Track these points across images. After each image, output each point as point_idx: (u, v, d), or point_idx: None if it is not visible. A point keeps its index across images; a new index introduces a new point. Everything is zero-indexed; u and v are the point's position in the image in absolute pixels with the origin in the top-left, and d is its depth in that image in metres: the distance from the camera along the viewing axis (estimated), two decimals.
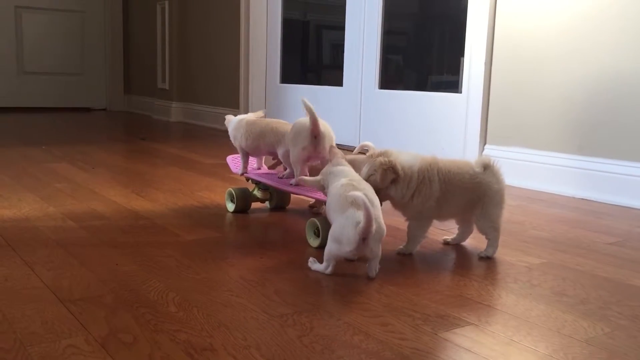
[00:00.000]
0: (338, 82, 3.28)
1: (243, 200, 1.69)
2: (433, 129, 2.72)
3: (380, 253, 1.18)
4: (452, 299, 1.09)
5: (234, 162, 1.81)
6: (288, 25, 3.76)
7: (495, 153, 2.34)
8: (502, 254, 1.38)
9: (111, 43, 5.24)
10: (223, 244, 1.39)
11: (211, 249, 1.34)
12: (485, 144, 2.39)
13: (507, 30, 2.29)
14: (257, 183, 1.71)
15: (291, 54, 3.82)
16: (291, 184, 1.56)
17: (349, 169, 1.30)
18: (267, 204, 1.77)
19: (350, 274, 1.20)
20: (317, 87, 3.46)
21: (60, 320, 0.93)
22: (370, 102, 3.07)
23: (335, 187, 1.23)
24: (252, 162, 1.79)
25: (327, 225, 1.28)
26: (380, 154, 1.30)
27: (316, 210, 1.72)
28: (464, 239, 1.45)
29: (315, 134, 1.43)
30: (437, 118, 2.70)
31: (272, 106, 3.77)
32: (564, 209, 1.90)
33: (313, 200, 1.72)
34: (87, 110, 5.20)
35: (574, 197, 2.07)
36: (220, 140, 3.38)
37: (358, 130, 3.13)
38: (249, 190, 1.72)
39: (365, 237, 1.12)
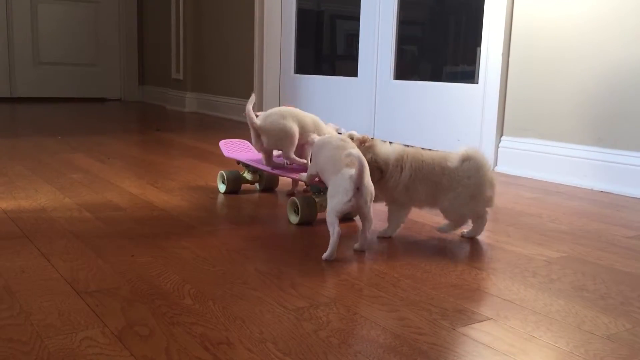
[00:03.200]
0: (352, 72, 3.26)
1: (234, 182, 1.80)
2: (449, 120, 2.69)
3: (372, 218, 1.27)
4: (470, 293, 1.07)
5: (226, 146, 1.92)
6: (302, 15, 3.74)
7: (512, 144, 2.31)
8: (520, 247, 1.36)
9: (126, 33, 5.25)
10: (238, 235, 1.39)
11: (226, 241, 1.33)
12: (502, 135, 2.36)
13: (525, 20, 2.25)
14: (247, 166, 1.80)
15: (305, 45, 3.80)
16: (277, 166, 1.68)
17: (331, 136, 1.41)
18: (256, 185, 1.87)
19: (367, 268, 1.19)
20: (332, 77, 3.44)
21: (77, 312, 0.93)
22: (385, 93, 3.05)
23: (328, 150, 1.35)
24: (245, 149, 1.90)
25: (306, 203, 1.46)
26: (365, 141, 1.40)
27: (290, 191, 1.81)
28: (478, 232, 1.43)
29: (358, 186, 1.25)
30: (453, 109, 2.68)
31: (286, 97, 3.75)
32: (583, 202, 1.87)
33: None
34: (102, 100, 5.22)
35: (592, 190, 2.04)
36: (234, 130, 3.37)
37: (373, 121, 3.11)
38: (239, 172, 1.82)
39: (358, 186, 1.22)
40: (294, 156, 1.65)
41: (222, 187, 1.82)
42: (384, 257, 1.26)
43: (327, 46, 3.97)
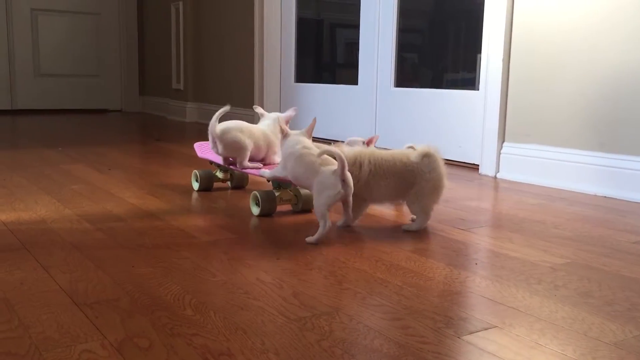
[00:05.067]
0: (353, 80, 3.26)
1: (206, 180, 1.96)
2: (450, 127, 2.68)
3: (352, 202, 1.45)
4: (474, 301, 1.06)
5: (200, 147, 2.06)
6: (302, 24, 3.75)
7: (514, 150, 2.30)
8: (524, 254, 1.35)
9: (126, 45, 5.26)
10: (239, 245, 1.38)
11: (227, 251, 1.32)
12: (503, 141, 2.35)
13: (525, 26, 2.25)
14: (219, 166, 1.94)
15: (305, 53, 3.81)
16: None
17: (293, 146, 1.51)
18: (228, 183, 2.02)
19: (370, 276, 1.18)
20: (332, 85, 3.44)
21: (76, 324, 0.92)
22: (385, 101, 3.04)
23: (296, 161, 1.47)
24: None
25: (266, 196, 1.62)
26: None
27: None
28: (423, 225, 1.53)
29: (343, 179, 1.40)
30: (454, 116, 2.67)
31: (287, 105, 3.75)
32: (586, 208, 1.86)
33: None
34: (103, 111, 5.22)
35: (595, 195, 2.03)
36: None
37: (373, 129, 3.10)
38: (212, 172, 1.97)
39: (343, 178, 1.37)
40: (247, 164, 1.80)
41: (195, 185, 1.98)
42: (386, 265, 1.25)
43: (327, 54, 3.98)
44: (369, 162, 1.48)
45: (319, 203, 1.40)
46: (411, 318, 0.98)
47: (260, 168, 1.80)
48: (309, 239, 1.39)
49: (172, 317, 0.96)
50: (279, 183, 1.67)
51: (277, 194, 1.66)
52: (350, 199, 1.43)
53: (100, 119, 4.64)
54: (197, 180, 1.97)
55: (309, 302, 1.03)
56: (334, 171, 1.38)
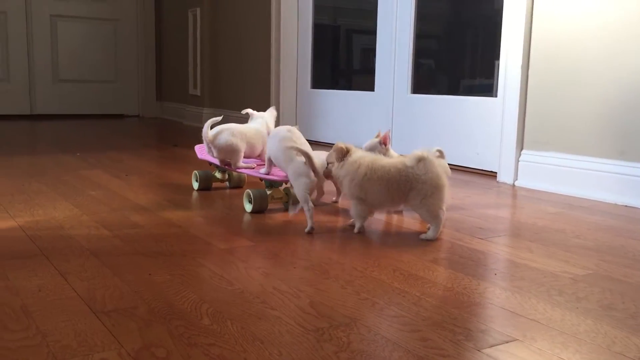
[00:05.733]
0: (369, 86, 3.25)
1: (206, 180, 2.07)
2: (468, 134, 2.66)
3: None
4: (494, 313, 1.04)
5: (200, 149, 2.14)
6: (318, 30, 3.75)
7: (532, 158, 2.28)
8: (545, 264, 1.33)
9: (144, 50, 5.30)
10: (256, 253, 1.37)
11: (244, 259, 1.32)
12: (522, 149, 2.33)
13: (544, 32, 2.23)
14: (217, 166, 2.04)
15: (322, 59, 3.81)
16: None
17: (279, 129, 1.73)
18: (226, 183, 2.13)
19: (388, 286, 1.17)
20: (348, 92, 3.43)
21: (94, 332, 0.92)
22: (402, 107, 3.03)
23: (276, 142, 1.68)
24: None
25: (258, 195, 1.74)
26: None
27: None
28: (437, 233, 1.53)
29: (313, 169, 1.60)
30: (472, 123, 2.65)
31: (303, 112, 3.75)
32: (607, 217, 1.83)
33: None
34: (121, 116, 5.26)
35: (616, 204, 2.00)
36: None
37: (390, 135, 3.08)
38: (211, 172, 2.09)
39: (313, 170, 1.57)
40: (241, 164, 1.91)
41: (195, 185, 2.08)
42: (404, 274, 1.23)
43: (343, 61, 3.97)
44: (367, 166, 1.53)
45: (298, 189, 1.58)
46: (430, 330, 0.96)
47: (253, 168, 1.91)
48: (306, 229, 1.54)
49: (189, 326, 0.95)
50: (271, 182, 1.79)
51: (268, 192, 1.78)
52: (322, 185, 1.74)
53: (118, 125, 4.67)
54: (196, 180, 2.08)
55: (326, 312, 1.02)
56: (305, 162, 1.57)
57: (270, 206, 1.79)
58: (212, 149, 1.92)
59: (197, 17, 4.57)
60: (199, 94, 4.64)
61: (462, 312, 1.04)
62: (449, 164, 1.71)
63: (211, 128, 1.93)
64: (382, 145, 1.77)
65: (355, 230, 1.57)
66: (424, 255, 1.38)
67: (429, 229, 1.55)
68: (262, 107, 3.91)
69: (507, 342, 0.92)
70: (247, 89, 4.12)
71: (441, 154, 1.81)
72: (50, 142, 3.45)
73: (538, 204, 1.99)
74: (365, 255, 1.37)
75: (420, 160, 1.50)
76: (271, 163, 1.77)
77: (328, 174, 1.62)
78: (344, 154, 1.56)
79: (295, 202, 1.63)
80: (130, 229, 1.54)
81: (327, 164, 1.62)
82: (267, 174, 1.79)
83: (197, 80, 4.66)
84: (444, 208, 1.54)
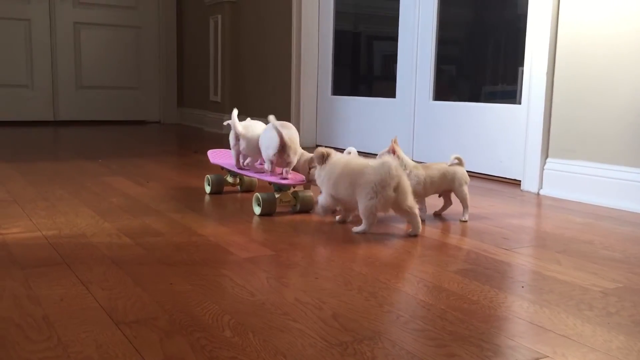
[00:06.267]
0: (390, 93, 3.23)
1: (217, 184, 2.12)
2: (491, 141, 2.63)
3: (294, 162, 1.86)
4: (522, 328, 1.01)
5: (212, 154, 2.25)
6: (339, 36, 3.74)
7: (558, 167, 2.24)
8: (574, 277, 1.29)
9: (165, 57, 5.34)
10: (277, 262, 1.36)
11: (265, 268, 1.30)
12: (547, 157, 2.28)
13: (570, 38, 2.19)
14: (229, 171, 2.12)
15: (342, 66, 3.79)
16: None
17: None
18: (238, 187, 2.19)
19: (411, 298, 1.14)
20: (369, 98, 3.41)
21: (115, 344, 0.91)
22: (424, 114, 3.00)
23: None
24: (228, 157, 2.19)
25: (267, 198, 1.80)
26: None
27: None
28: (416, 230, 1.62)
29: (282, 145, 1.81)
30: (495, 130, 2.61)
31: (323, 118, 3.74)
32: (636, 228, 1.79)
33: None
34: (142, 123, 5.30)
35: None
36: None
37: (411, 143, 3.06)
38: (223, 177, 2.13)
39: (283, 146, 1.79)
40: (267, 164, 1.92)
41: (207, 189, 2.14)
42: (428, 286, 1.21)
43: (364, 67, 3.96)
44: (342, 166, 1.64)
45: (265, 157, 1.87)
46: (457, 345, 0.94)
47: (264, 172, 1.95)
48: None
49: (211, 338, 0.94)
50: (280, 186, 1.85)
51: (277, 195, 1.83)
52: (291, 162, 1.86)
53: (139, 131, 4.71)
54: (209, 184, 2.13)
55: (349, 325, 1.00)
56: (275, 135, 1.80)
57: (278, 209, 1.84)
58: (241, 141, 1.97)
59: (218, 24, 4.59)
60: (219, 100, 4.66)
61: (490, 326, 1.02)
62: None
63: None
64: (392, 154, 1.74)
65: (316, 211, 1.76)
66: (448, 266, 1.36)
67: (410, 231, 1.63)
68: (282, 113, 3.92)
69: (537, 359, 0.89)
70: (268, 96, 4.13)
71: (460, 162, 1.80)
72: (72, 149, 3.48)
73: (564, 214, 1.95)
74: (388, 266, 1.34)
75: (381, 164, 1.57)
76: (272, 164, 1.87)
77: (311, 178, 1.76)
78: (324, 157, 1.68)
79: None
80: (152, 237, 1.53)
81: (309, 168, 1.77)
82: (262, 172, 1.92)
83: (217, 87, 4.68)
84: (411, 207, 1.60)
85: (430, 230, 1.70)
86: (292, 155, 1.84)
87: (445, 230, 1.70)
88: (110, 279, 1.21)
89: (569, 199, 2.18)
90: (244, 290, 1.16)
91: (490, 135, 2.63)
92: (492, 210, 1.99)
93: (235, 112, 2.06)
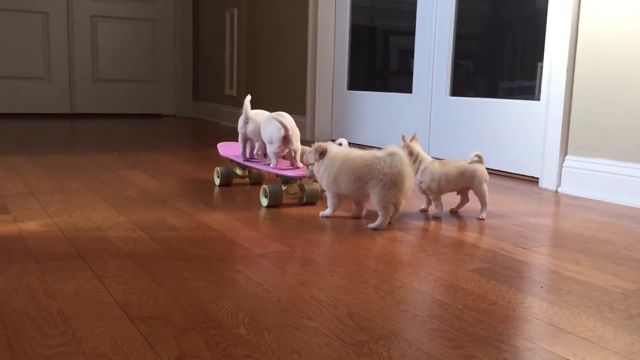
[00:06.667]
0: (407, 88, 3.20)
1: (226, 176, 2.16)
2: (508, 138, 2.60)
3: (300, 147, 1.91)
4: (541, 329, 1.00)
5: (222, 147, 2.31)
6: (355, 31, 3.71)
7: (577, 164, 2.20)
8: (593, 277, 1.27)
9: (181, 51, 5.35)
10: (292, 259, 1.35)
11: (280, 265, 1.30)
12: (566, 154, 2.25)
13: (591, 34, 2.15)
14: (238, 163, 2.17)
15: (358, 61, 3.77)
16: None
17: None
18: (247, 179, 2.23)
19: (428, 297, 1.13)
20: (385, 94, 3.39)
21: (129, 340, 0.90)
22: (441, 110, 2.97)
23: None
24: (238, 150, 2.19)
25: (274, 190, 1.84)
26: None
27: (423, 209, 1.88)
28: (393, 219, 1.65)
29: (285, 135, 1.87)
30: (513, 127, 2.58)
31: (339, 113, 3.72)
32: None
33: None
34: (158, 116, 5.32)
35: None
36: None
37: (428, 139, 3.03)
38: (232, 169, 2.17)
39: (285, 134, 1.84)
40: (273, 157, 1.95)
41: (217, 181, 2.17)
42: (445, 285, 1.19)
43: (380, 62, 3.93)
44: (341, 159, 1.64)
45: (270, 152, 1.93)
46: (475, 346, 0.92)
47: (268, 164, 1.98)
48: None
49: (226, 335, 0.93)
50: (286, 179, 1.89)
51: (284, 188, 1.87)
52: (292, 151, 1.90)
53: (155, 124, 4.72)
54: (218, 176, 2.17)
55: (365, 324, 0.99)
56: (279, 129, 1.86)
57: (285, 201, 1.88)
58: (250, 123, 2.02)
59: (234, 17, 4.59)
60: (235, 94, 4.65)
61: (508, 327, 1.00)
62: (488, 169, 1.69)
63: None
64: (408, 152, 1.74)
65: (324, 213, 1.72)
66: (465, 264, 1.34)
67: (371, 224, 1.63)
68: (297, 108, 3.91)
69: None
70: (283, 90, 4.12)
71: (480, 159, 1.77)
72: (88, 141, 3.49)
73: (583, 212, 1.92)
74: (404, 264, 1.33)
75: (390, 154, 1.58)
76: (277, 158, 1.92)
77: (311, 174, 1.77)
78: (322, 152, 1.68)
79: (380, 217, 1.62)
80: (167, 232, 1.53)
81: (307, 165, 1.76)
82: (274, 167, 1.94)
83: (233, 81, 4.68)
84: (402, 203, 1.63)
85: (447, 228, 1.68)
86: (295, 141, 1.90)
87: (462, 228, 1.68)
88: (125, 273, 1.20)
89: (588, 197, 2.14)
90: (259, 287, 1.15)
91: (508, 131, 2.60)
92: (509, 207, 1.96)
93: (248, 97, 2.13)
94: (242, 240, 1.48)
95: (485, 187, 1.78)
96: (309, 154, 1.73)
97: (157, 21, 5.23)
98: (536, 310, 1.08)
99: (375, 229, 1.60)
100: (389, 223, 1.64)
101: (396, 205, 1.62)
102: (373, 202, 1.61)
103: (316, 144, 1.71)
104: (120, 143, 3.40)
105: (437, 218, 1.78)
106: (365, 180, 1.59)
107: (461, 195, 1.85)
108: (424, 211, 1.85)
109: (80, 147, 3.21)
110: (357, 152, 1.66)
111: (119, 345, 0.88)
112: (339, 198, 1.71)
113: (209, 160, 2.84)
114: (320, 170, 1.69)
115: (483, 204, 1.79)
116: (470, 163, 1.78)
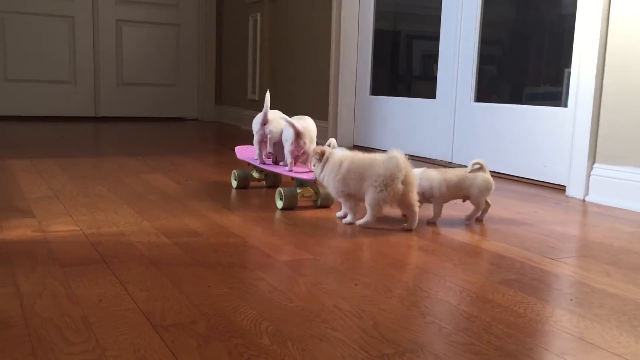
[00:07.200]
0: (430, 94, 3.17)
1: (244, 179, 2.19)
2: (534, 145, 2.55)
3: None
4: (573, 344, 0.97)
5: (240, 150, 2.34)
6: (378, 35, 3.69)
7: (605, 172, 2.16)
8: (625, 290, 1.24)
9: (204, 55, 5.38)
10: (315, 267, 1.33)
11: (303, 272, 1.28)
12: (594, 162, 2.21)
13: (621, 39, 2.10)
14: (255, 167, 2.20)
15: (381, 65, 3.75)
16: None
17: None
18: (263, 182, 2.26)
19: (454, 308, 1.11)
20: (408, 99, 3.36)
21: (153, 348, 0.89)
22: (465, 116, 2.94)
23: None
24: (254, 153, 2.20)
25: (289, 193, 1.87)
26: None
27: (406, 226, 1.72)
28: (412, 225, 1.67)
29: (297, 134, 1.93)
30: (539, 133, 2.54)
31: (362, 118, 3.70)
32: None
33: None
34: (180, 120, 5.35)
35: None
36: None
37: (451, 145, 3.00)
38: (249, 172, 2.21)
39: (297, 134, 1.92)
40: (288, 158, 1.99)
41: (234, 183, 2.21)
42: (472, 296, 1.17)
43: (403, 67, 3.90)
44: (349, 162, 1.67)
45: (287, 148, 1.99)
46: None
47: (291, 170, 1.98)
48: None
49: (249, 345, 0.92)
50: (302, 181, 1.91)
51: (299, 191, 1.90)
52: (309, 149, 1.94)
53: (177, 128, 4.75)
54: (235, 179, 2.20)
55: (391, 335, 0.97)
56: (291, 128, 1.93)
57: (300, 204, 1.92)
58: (268, 124, 2.05)
59: (257, 22, 4.60)
60: (257, 98, 4.66)
61: (538, 342, 0.97)
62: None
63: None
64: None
65: (347, 221, 1.72)
66: (492, 275, 1.31)
67: (406, 225, 1.67)
68: (320, 113, 3.90)
69: None
70: (306, 94, 4.11)
71: (482, 167, 1.75)
72: (112, 144, 3.52)
73: (612, 222, 1.88)
74: (429, 273, 1.31)
75: (390, 157, 1.60)
76: (292, 158, 1.97)
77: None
78: (321, 155, 1.72)
79: (368, 213, 1.67)
80: (189, 237, 1.53)
81: (311, 169, 1.83)
82: (290, 170, 1.98)
83: (255, 85, 4.69)
84: (416, 205, 1.65)
85: (472, 237, 1.65)
86: (307, 142, 1.94)
87: (487, 237, 1.65)
88: (148, 279, 1.20)
89: (617, 207, 2.10)
90: (282, 295, 1.14)
91: (534, 138, 2.56)
92: (535, 216, 1.93)
93: (267, 93, 2.14)
94: (264, 247, 1.47)
95: (484, 197, 1.75)
96: (311, 157, 1.81)
97: (181, 25, 5.27)
98: (566, 324, 1.05)
99: (363, 226, 1.68)
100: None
101: (411, 207, 1.64)
102: (365, 200, 1.65)
103: (316, 147, 1.77)
104: (143, 146, 3.42)
105: (431, 223, 1.76)
106: (363, 180, 1.64)
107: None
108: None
109: (104, 150, 3.24)
110: (362, 155, 1.70)
111: (142, 354, 0.88)
112: (351, 199, 1.71)
113: (230, 164, 2.84)
114: (323, 172, 1.72)
115: (476, 210, 1.78)
116: (470, 172, 1.75)
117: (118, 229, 1.58)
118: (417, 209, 1.65)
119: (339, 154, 1.72)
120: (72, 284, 1.16)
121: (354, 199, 1.71)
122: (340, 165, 1.68)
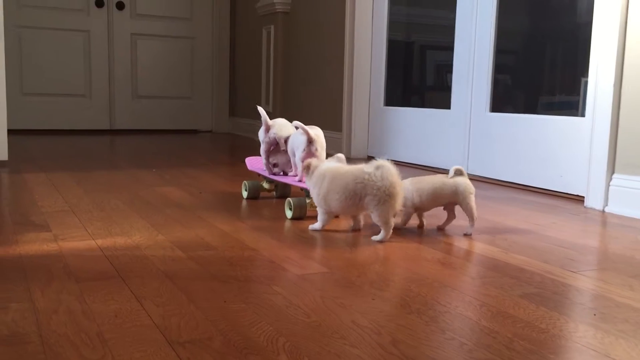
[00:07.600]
0: (444, 104, 3.15)
1: (254, 190, 2.22)
2: (551, 155, 2.52)
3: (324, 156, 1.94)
4: None
5: (250, 161, 2.39)
6: (392, 46, 3.69)
7: (625, 183, 2.12)
8: None
9: (218, 67, 5.40)
10: (332, 281, 1.32)
11: (320, 287, 1.27)
12: (613, 173, 2.17)
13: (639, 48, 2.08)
14: (265, 177, 2.22)
15: (395, 76, 3.74)
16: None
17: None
18: (273, 193, 2.28)
19: (475, 324, 1.08)
20: (423, 110, 3.35)
21: None
22: (480, 126, 2.92)
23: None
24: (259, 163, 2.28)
25: (298, 203, 1.90)
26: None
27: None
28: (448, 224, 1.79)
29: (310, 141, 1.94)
30: (556, 144, 2.51)
31: (375, 129, 3.69)
32: None
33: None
34: (194, 132, 5.37)
35: None
36: None
37: (466, 156, 2.98)
38: (259, 183, 2.25)
39: (310, 141, 1.92)
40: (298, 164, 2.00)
41: (244, 194, 2.23)
42: (492, 311, 1.15)
43: (416, 77, 3.89)
44: (330, 177, 1.66)
45: (297, 157, 1.99)
46: None
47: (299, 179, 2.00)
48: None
49: None
50: (310, 192, 1.87)
51: (307, 200, 1.91)
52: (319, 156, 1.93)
53: (191, 140, 4.76)
54: (245, 190, 2.23)
55: (410, 353, 0.95)
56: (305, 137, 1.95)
57: (309, 214, 1.92)
58: (271, 129, 2.11)
59: (271, 34, 4.61)
60: (270, 110, 4.67)
61: (562, 359, 0.95)
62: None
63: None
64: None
65: (312, 227, 1.75)
66: (512, 289, 1.29)
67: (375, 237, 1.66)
68: (333, 125, 3.90)
69: None
70: (319, 106, 4.11)
71: (461, 172, 1.75)
72: (127, 157, 3.53)
73: (633, 234, 1.84)
74: (447, 287, 1.29)
75: (378, 167, 1.60)
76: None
77: None
78: (307, 167, 1.74)
79: (383, 230, 1.66)
80: (205, 251, 1.52)
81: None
82: (299, 180, 1.99)
83: (269, 97, 4.69)
84: (396, 214, 1.66)
85: (489, 249, 1.63)
86: (319, 149, 1.95)
87: (505, 249, 1.62)
88: (164, 294, 1.19)
89: (637, 218, 2.06)
90: (298, 311, 1.12)
91: (551, 148, 2.53)
92: (554, 228, 1.90)
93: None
94: (279, 260, 1.45)
95: (472, 200, 1.73)
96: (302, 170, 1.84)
97: (195, 38, 5.30)
98: (590, 340, 1.03)
99: (380, 242, 1.64)
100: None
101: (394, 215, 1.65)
102: (373, 218, 1.64)
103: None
104: (157, 159, 3.43)
105: (395, 228, 1.75)
106: (360, 196, 1.62)
107: (447, 212, 1.81)
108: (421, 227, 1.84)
109: (119, 163, 3.25)
110: (345, 168, 1.69)
111: None
112: (329, 213, 1.74)
113: (243, 176, 2.83)
114: (310, 186, 1.75)
115: (471, 218, 1.75)
116: (451, 178, 1.74)
117: (133, 243, 1.57)
118: (392, 222, 1.65)
119: (323, 167, 1.72)
120: (87, 299, 1.15)
121: (332, 213, 1.74)
122: (322, 181, 1.69)
